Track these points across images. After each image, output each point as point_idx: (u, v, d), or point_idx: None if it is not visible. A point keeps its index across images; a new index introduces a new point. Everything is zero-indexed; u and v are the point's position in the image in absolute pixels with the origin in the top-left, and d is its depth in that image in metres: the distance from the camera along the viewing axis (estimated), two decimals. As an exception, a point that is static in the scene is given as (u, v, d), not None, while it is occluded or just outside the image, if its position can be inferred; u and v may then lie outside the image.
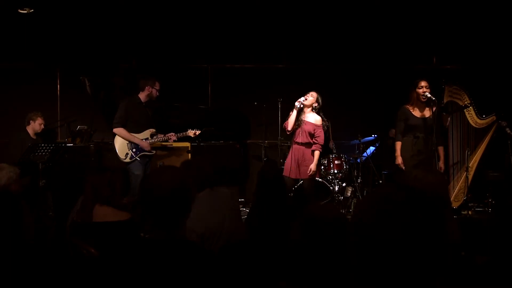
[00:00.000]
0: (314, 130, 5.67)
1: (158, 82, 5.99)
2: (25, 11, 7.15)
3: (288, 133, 5.74)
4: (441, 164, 5.66)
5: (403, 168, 5.55)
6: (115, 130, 5.81)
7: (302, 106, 5.64)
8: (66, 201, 4.60)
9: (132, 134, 5.79)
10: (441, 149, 5.69)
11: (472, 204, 6.50)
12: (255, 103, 7.09)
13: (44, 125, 6.80)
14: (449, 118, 5.89)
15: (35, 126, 6.70)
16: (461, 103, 6.25)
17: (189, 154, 6.57)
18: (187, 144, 6.59)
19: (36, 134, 6.74)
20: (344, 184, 7.08)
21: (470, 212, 6.27)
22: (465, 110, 6.21)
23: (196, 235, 2.92)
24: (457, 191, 6.44)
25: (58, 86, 7.94)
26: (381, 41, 8.01)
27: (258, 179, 3.77)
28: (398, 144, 5.67)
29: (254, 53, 8.10)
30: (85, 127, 7.05)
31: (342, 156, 6.99)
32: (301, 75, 8.02)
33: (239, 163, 7.18)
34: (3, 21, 7.39)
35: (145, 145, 5.79)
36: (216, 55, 8.09)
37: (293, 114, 5.65)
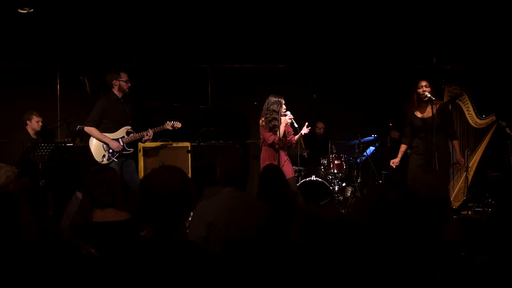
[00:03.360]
0: (288, 130, 5.77)
1: (124, 72, 5.73)
2: (25, 11, 7.15)
3: (277, 145, 5.63)
4: (459, 156, 5.72)
5: (393, 166, 5.63)
6: (87, 129, 5.63)
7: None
8: (66, 201, 4.60)
9: (104, 134, 5.62)
10: (456, 143, 5.71)
11: (472, 204, 6.50)
12: (255, 103, 7.09)
13: (42, 122, 6.78)
14: (449, 105, 5.93)
15: (33, 124, 6.69)
16: (460, 103, 6.26)
17: (189, 154, 6.56)
18: (187, 144, 6.58)
19: (36, 133, 6.74)
20: (344, 184, 7.08)
21: (470, 212, 6.27)
22: (465, 110, 6.23)
23: (204, 223, 3.03)
24: (457, 191, 6.45)
25: (58, 86, 7.94)
26: (381, 41, 8.01)
27: (260, 179, 3.78)
28: (402, 146, 5.71)
29: (254, 53, 8.10)
30: (85, 127, 7.04)
31: (342, 156, 6.99)
32: (301, 75, 8.02)
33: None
34: (3, 21, 7.39)
35: (114, 145, 5.60)
36: (216, 55, 8.09)
37: (283, 128, 5.64)
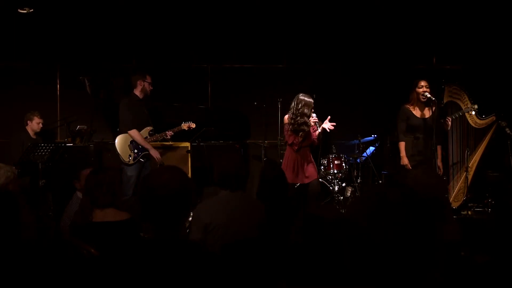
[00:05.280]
0: (313, 129, 5.71)
1: (149, 75, 5.91)
2: (25, 11, 7.15)
3: (296, 146, 5.59)
4: (439, 162, 5.65)
5: (410, 168, 5.53)
6: (131, 132, 5.68)
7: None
8: (66, 201, 4.60)
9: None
10: (439, 148, 5.68)
11: (472, 204, 6.49)
12: (255, 103, 7.09)
13: (42, 124, 6.79)
14: (449, 122, 5.84)
15: (33, 125, 6.70)
16: (460, 103, 6.25)
17: (189, 154, 6.57)
18: (187, 144, 6.59)
19: (36, 133, 6.74)
20: (344, 184, 7.08)
21: (470, 212, 6.27)
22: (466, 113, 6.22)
23: (200, 226, 3.05)
24: (456, 191, 6.45)
25: (58, 86, 7.93)
26: (381, 41, 8.01)
27: (260, 179, 3.78)
28: (402, 144, 5.65)
29: (254, 53, 8.09)
30: (85, 127, 7.04)
31: (342, 156, 6.99)
32: (301, 75, 8.02)
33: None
34: (3, 21, 7.39)
35: (156, 153, 5.74)
36: (216, 55, 8.08)
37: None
